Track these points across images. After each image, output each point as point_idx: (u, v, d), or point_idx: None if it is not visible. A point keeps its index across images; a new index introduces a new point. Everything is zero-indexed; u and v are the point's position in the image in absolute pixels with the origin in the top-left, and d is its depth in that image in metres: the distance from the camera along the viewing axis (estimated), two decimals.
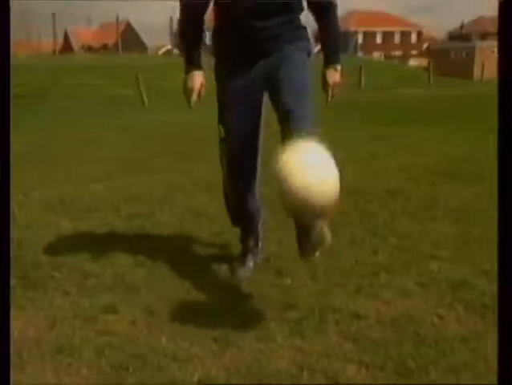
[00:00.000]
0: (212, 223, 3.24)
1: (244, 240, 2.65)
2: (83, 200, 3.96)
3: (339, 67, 2.46)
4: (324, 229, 2.01)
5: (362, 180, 4.26)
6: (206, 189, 3.96)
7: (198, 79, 2.38)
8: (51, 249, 2.90)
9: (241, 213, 2.59)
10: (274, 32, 2.31)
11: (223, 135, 2.42)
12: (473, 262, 2.61)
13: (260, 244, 2.65)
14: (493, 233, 2.91)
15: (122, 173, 4.93)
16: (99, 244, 2.95)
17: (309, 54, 2.41)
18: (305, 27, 2.42)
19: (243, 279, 2.48)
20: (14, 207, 3.79)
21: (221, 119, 2.43)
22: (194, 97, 2.38)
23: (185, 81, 2.39)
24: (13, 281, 2.52)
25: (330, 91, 2.46)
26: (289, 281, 2.45)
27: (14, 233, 3.14)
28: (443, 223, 3.25)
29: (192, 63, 2.39)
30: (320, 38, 2.44)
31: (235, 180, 2.49)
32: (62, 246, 2.94)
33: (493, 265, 2.52)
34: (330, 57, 2.45)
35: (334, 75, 2.44)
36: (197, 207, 3.58)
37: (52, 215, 3.60)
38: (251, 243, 2.63)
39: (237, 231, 2.69)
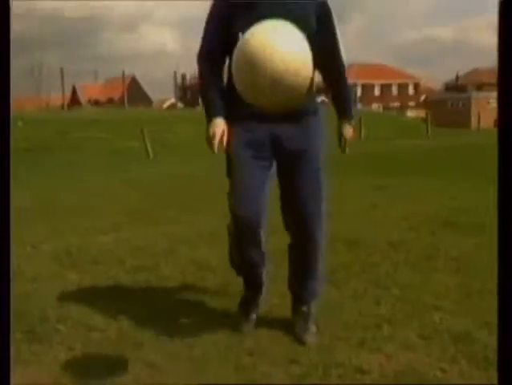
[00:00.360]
0: (215, 275, 3.24)
1: (248, 290, 2.61)
2: (89, 252, 3.97)
3: (353, 122, 2.51)
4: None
5: (363, 231, 4.27)
6: (210, 241, 3.97)
7: (220, 125, 2.30)
8: (57, 302, 2.90)
9: (246, 265, 2.54)
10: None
11: (229, 189, 2.37)
12: (474, 314, 2.59)
13: (263, 293, 2.59)
14: (493, 285, 2.91)
15: (128, 225, 4.96)
16: (104, 297, 2.95)
17: (321, 133, 2.44)
18: (316, 96, 2.45)
19: (246, 333, 2.46)
20: (21, 260, 3.82)
21: (229, 173, 2.39)
22: (216, 143, 2.27)
23: (207, 130, 2.31)
24: (18, 336, 2.52)
25: (343, 143, 2.51)
26: (292, 336, 2.43)
27: (22, 286, 3.17)
28: (444, 273, 3.24)
29: (212, 111, 2.33)
30: (332, 96, 2.50)
31: (240, 235, 2.40)
32: (68, 299, 2.93)
33: (494, 317, 2.50)
34: (344, 113, 2.49)
35: (349, 130, 2.50)
36: (200, 259, 3.58)
37: (59, 267, 3.62)
38: (254, 293, 2.58)
39: (239, 283, 2.69)
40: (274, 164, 2.40)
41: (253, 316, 2.56)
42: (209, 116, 2.34)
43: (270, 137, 2.34)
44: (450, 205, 5.52)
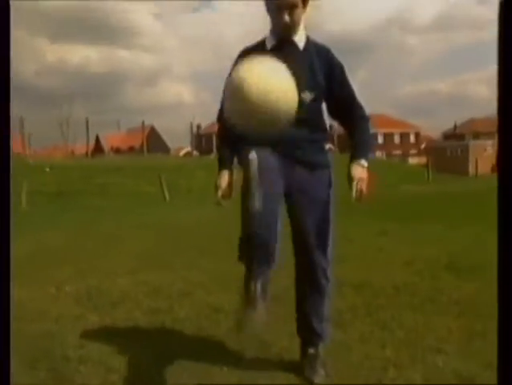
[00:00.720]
0: (228, 319, 3.20)
1: (250, 281, 2.08)
2: (109, 294, 3.96)
3: (364, 163, 2.35)
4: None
5: (369, 275, 4.23)
6: (224, 285, 3.94)
7: (225, 178, 2.37)
8: (79, 342, 2.89)
9: (257, 240, 2.07)
10: (304, 144, 2.36)
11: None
12: (477, 356, 2.55)
13: (268, 290, 2.12)
14: (495, 327, 2.86)
15: (145, 268, 4.95)
16: (122, 338, 2.93)
17: (330, 184, 2.42)
18: (328, 151, 2.45)
19: (249, 333, 2.26)
20: (46, 300, 3.83)
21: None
22: (219, 195, 2.34)
23: (217, 179, 2.39)
24: (42, 374, 2.51)
25: (354, 186, 2.29)
26: (301, 377, 2.39)
27: (46, 326, 3.16)
28: (447, 316, 3.19)
29: (222, 163, 2.41)
30: (350, 139, 2.42)
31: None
32: (88, 340, 2.92)
33: (496, 359, 2.45)
34: (356, 153, 2.38)
35: (358, 170, 2.32)
36: (214, 303, 3.55)
37: (81, 308, 3.60)
38: (259, 285, 2.07)
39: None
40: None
41: (260, 313, 2.05)
42: (219, 168, 2.42)
43: (283, 180, 2.27)
44: (451, 249, 5.46)
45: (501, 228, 1.58)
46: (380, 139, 61.38)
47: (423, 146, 58.96)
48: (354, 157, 2.37)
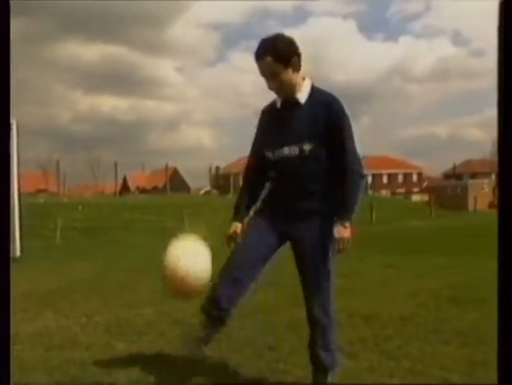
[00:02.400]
0: (249, 346, 3.16)
1: (208, 328, 2.52)
2: (135, 323, 3.95)
3: (347, 224, 2.31)
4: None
5: (376, 307, 4.17)
6: (244, 315, 3.89)
7: (236, 228, 2.49)
8: (107, 369, 2.86)
9: (216, 309, 2.45)
10: (306, 196, 2.39)
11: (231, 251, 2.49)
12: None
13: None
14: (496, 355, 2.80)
15: (168, 299, 4.91)
16: (148, 365, 2.90)
17: (330, 232, 2.34)
18: (332, 199, 2.37)
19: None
20: (78, 329, 3.82)
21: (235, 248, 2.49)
22: (228, 243, 2.50)
23: (229, 229, 2.51)
24: None
25: (336, 245, 2.32)
26: None
27: (78, 354, 3.15)
28: (451, 346, 3.13)
29: (235, 214, 2.53)
30: (339, 192, 2.35)
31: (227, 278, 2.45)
32: (116, 367, 2.90)
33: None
34: (340, 214, 2.33)
35: (340, 231, 2.30)
36: (233, 332, 3.51)
37: (109, 337, 3.59)
38: (212, 333, 2.53)
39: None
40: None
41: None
42: (233, 218, 2.53)
43: (283, 231, 2.42)
44: (454, 281, 5.39)
45: (502, 260, 1.55)
46: (385, 179, 61.29)
47: (425, 184, 58.64)
48: (338, 217, 2.33)
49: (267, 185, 2.51)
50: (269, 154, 2.42)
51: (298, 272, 2.45)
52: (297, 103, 2.39)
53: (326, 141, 2.34)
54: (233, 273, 2.41)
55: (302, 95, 2.39)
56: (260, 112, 2.56)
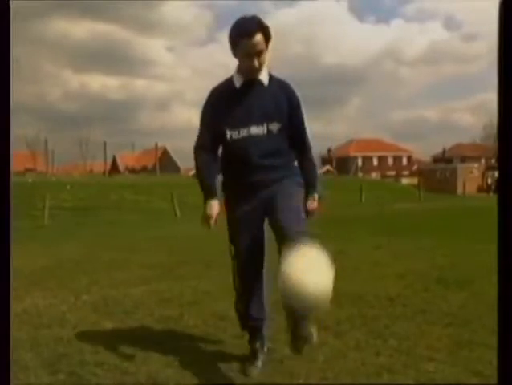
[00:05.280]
0: (234, 326, 3.19)
1: (252, 342, 2.64)
2: (123, 303, 3.96)
3: (316, 196, 2.54)
4: (311, 329, 2.16)
5: (365, 287, 4.21)
6: (230, 295, 3.91)
7: (215, 207, 2.45)
8: (95, 347, 2.87)
9: (250, 320, 2.61)
10: (275, 169, 2.46)
11: (233, 253, 2.52)
12: (465, 364, 2.53)
13: (265, 346, 2.65)
14: (482, 336, 2.84)
15: (157, 278, 4.95)
16: (135, 344, 2.92)
17: (300, 185, 2.52)
18: (296, 166, 2.56)
19: (253, 377, 2.45)
20: (66, 308, 3.82)
21: (232, 240, 2.54)
22: (212, 223, 2.44)
23: (205, 208, 2.45)
24: (61, 376, 2.50)
25: (309, 216, 2.52)
26: (301, 382, 2.38)
27: (65, 332, 3.16)
28: (437, 326, 3.17)
29: (209, 193, 2.47)
30: (302, 173, 2.55)
31: (244, 291, 2.55)
32: (104, 345, 2.91)
33: (484, 366, 2.43)
34: (308, 189, 2.53)
35: (311, 203, 2.52)
36: (221, 311, 3.54)
37: (97, 316, 3.60)
38: (258, 345, 2.62)
39: None
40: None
41: (259, 363, 2.56)
42: (206, 198, 2.47)
43: (259, 201, 2.45)
44: (441, 263, 5.44)
45: (501, 241, 1.54)
46: (375, 162, 61.47)
47: (414, 168, 58.91)
48: (307, 192, 2.53)
49: (229, 164, 2.50)
50: (232, 133, 2.43)
51: (271, 223, 2.42)
52: (260, 84, 2.44)
53: (288, 122, 2.47)
54: (245, 286, 2.54)
55: (264, 77, 2.46)
56: (211, 91, 2.50)
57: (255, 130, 2.42)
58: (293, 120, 2.48)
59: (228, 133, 2.43)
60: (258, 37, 2.30)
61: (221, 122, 2.44)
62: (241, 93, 2.43)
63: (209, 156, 2.50)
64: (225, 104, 2.44)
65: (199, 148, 2.52)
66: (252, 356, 2.59)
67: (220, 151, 2.53)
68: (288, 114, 2.46)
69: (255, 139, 2.42)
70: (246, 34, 2.30)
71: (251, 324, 2.61)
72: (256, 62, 2.35)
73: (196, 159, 2.54)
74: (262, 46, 2.33)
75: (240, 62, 2.41)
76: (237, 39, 2.33)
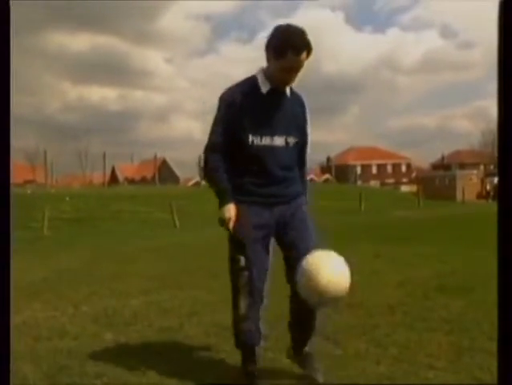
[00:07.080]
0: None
1: (244, 363, 2.52)
2: (123, 313, 3.95)
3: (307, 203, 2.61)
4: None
5: (364, 295, 4.20)
6: (230, 305, 3.90)
7: (233, 210, 2.38)
8: (95, 358, 2.87)
9: (245, 339, 2.49)
10: (291, 183, 2.50)
11: (243, 264, 2.38)
12: (465, 371, 2.52)
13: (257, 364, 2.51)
14: (482, 343, 2.84)
15: (156, 289, 4.94)
16: (135, 355, 2.91)
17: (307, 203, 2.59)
18: (300, 187, 2.58)
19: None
20: (65, 319, 3.81)
21: (239, 250, 2.40)
22: (231, 225, 2.37)
23: (223, 213, 2.38)
24: None
25: None
26: None
27: (65, 343, 3.15)
28: (437, 334, 3.16)
29: (227, 198, 2.39)
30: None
31: (249, 305, 2.43)
32: (104, 357, 2.90)
33: (484, 373, 2.43)
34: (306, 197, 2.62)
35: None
36: (221, 321, 3.53)
37: (97, 327, 3.59)
38: (253, 367, 2.49)
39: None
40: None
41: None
42: (224, 202, 2.40)
43: (273, 218, 2.45)
44: (441, 270, 5.44)
45: (501, 247, 1.55)
46: (374, 170, 61.56)
47: (413, 175, 58.95)
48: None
49: (246, 170, 2.42)
50: (253, 139, 2.37)
51: (282, 246, 2.48)
52: (284, 94, 2.45)
53: (301, 135, 2.51)
54: (250, 300, 2.44)
55: (287, 89, 2.47)
56: (234, 91, 2.41)
57: (277, 141, 2.41)
58: (304, 135, 2.54)
59: (250, 138, 2.37)
60: (304, 54, 2.31)
61: (244, 124, 2.37)
62: (266, 100, 2.40)
63: (223, 157, 2.41)
64: (250, 108, 2.37)
65: (213, 147, 2.42)
66: (248, 374, 2.48)
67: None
68: (302, 125, 2.52)
69: (277, 150, 2.40)
70: (296, 50, 2.27)
71: (250, 342, 2.48)
72: (293, 77, 2.38)
73: (208, 159, 2.44)
74: (304, 63, 2.34)
75: (275, 70, 2.35)
76: (286, 52, 2.28)
